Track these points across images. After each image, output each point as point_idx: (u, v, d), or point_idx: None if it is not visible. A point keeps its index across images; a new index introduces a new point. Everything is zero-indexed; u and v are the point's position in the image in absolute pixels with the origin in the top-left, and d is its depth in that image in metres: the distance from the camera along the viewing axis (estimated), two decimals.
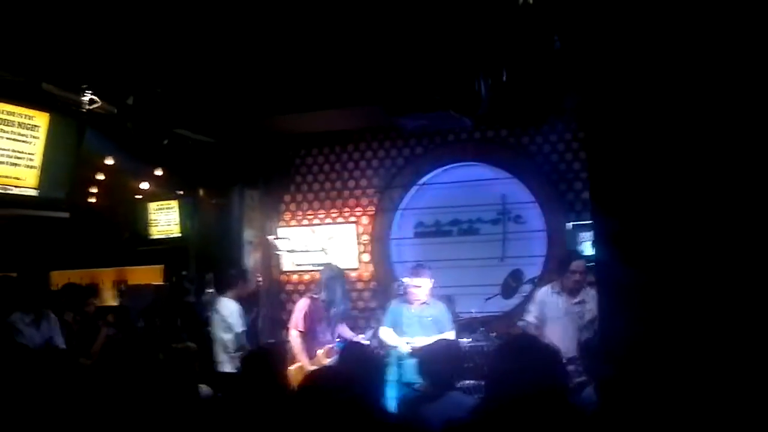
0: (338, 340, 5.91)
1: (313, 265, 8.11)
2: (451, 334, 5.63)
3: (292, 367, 5.73)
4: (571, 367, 5.20)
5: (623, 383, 2.30)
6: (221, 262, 8.04)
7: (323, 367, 5.43)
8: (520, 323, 6.23)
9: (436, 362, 3.78)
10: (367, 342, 5.89)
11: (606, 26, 2.90)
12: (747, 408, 2.44)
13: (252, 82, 6.02)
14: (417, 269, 5.91)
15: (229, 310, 6.36)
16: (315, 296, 5.96)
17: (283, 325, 8.05)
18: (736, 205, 2.50)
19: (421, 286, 5.69)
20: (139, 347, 5.25)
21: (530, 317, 5.71)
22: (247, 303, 6.81)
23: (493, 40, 4.93)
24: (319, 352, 5.80)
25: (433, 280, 5.79)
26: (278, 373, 3.48)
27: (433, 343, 4.31)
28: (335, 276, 6.01)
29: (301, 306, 5.93)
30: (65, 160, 5.70)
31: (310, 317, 5.84)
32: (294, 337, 5.81)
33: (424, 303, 5.74)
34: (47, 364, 3.41)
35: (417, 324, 5.65)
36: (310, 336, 5.81)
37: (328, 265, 6.39)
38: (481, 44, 5.00)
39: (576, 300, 5.54)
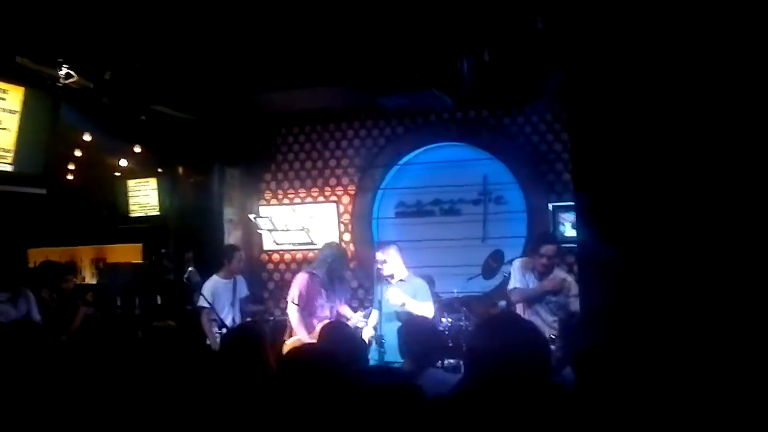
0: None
1: (294, 243, 8.08)
2: (427, 307, 5.60)
3: (289, 341, 5.80)
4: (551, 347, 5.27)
5: (602, 359, 2.32)
6: (201, 240, 8.00)
7: (303, 344, 5.44)
8: (501, 304, 6.28)
9: (414, 339, 3.79)
10: (364, 322, 5.89)
11: (588, 8, 2.89)
12: (721, 381, 2.48)
13: (233, 59, 5.94)
14: (381, 245, 5.92)
15: (203, 287, 6.39)
16: (313, 272, 5.94)
17: (263, 304, 8.10)
18: (714, 184, 2.53)
19: (386, 262, 5.66)
20: (118, 326, 5.23)
21: (517, 284, 5.70)
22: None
23: (476, 19, 4.90)
24: (318, 327, 5.81)
25: (398, 255, 5.73)
26: (258, 350, 3.47)
27: (409, 320, 4.31)
28: (337, 255, 6.01)
29: (300, 280, 5.90)
30: (41, 136, 5.61)
31: (307, 292, 5.82)
32: (292, 311, 5.81)
33: (401, 281, 5.73)
34: (24, 338, 3.37)
35: (388, 301, 5.64)
36: (307, 311, 5.80)
37: (329, 243, 6.41)
38: (463, 23, 4.98)
39: (546, 280, 5.58)
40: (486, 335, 1.87)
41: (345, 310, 6.14)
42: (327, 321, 5.62)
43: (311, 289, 5.84)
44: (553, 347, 5.24)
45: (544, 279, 5.57)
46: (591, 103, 2.87)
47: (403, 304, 5.52)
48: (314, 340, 5.24)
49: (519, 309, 5.65)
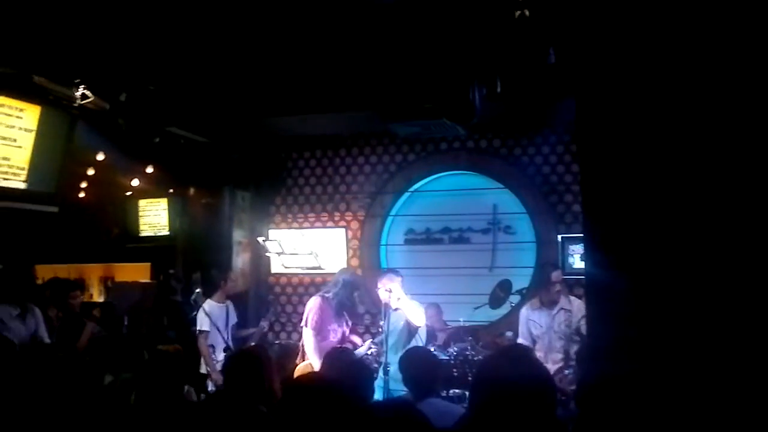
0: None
1: (302, 267, 8.09)
2: (420, 314, 5.58)
3: (301, 365, 5.75)
4: (559, 375, 5.25)
5: (610, 391, 2.30)
6: (209, 261, 8.01)
7: (308, 372, 5.42)
8: (508, 334, 6.24)
9: (414, 368, 3.77)
10: (374, 348, 5.82)
11: (601, 41, 2.91)
12: (733, 414, 2.45)
13: (247, 83, 6.01)
14: (382, 273, 5.91)
15: (204, 310, 6.42)
16: (326, 295, 5.88)
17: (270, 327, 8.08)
18: (727, 216, 2.51)
19: (391, 291, 5.61)
20: (124, 346, 5.21)
21: (520, 339, 5.72)
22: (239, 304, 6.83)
23: (489, 50, 4.94)
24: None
25: (398, 284, 5.68)
26: (260, 375, 3.46)
27: (407, 351, 4.30)
28: (348, 280, 5.95)
29: (312, 304, 5.83)
30: (55, 154, 5.66)
31: (321, 316, 5.75)
32: (307, 336, 5.72)
33: (397, 309, 5.69)
34: (33, 358, 3.38)
35: (394, 329, 5.62)
36: (321, 335, 5.73)
37: (343, 269, 6.42)
38: (476, 54, 5.01)
39: (556, 311, 5.56)
40: (493, 367, 1.86)
41: (354, 336, 6.10)
42: (333, 347, 5.64)
43: (324, 312, 5.76)
44: (561, 375, 5.22)
45: (554, 308, 5.55)
46: (601, 134, 2.88)
47: (399, 299, 5.52)
48: None
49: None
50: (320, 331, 5.71)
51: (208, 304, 6.52)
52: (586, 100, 3.06)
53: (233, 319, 6.73)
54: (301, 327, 5.89)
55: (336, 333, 5.81)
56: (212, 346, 6.21)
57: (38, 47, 4.96)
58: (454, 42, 4.84)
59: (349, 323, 6.03)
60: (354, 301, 5.98)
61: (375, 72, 5.38)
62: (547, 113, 6.62)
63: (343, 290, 5.85)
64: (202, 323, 6.34)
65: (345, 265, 6.92)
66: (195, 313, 6.61)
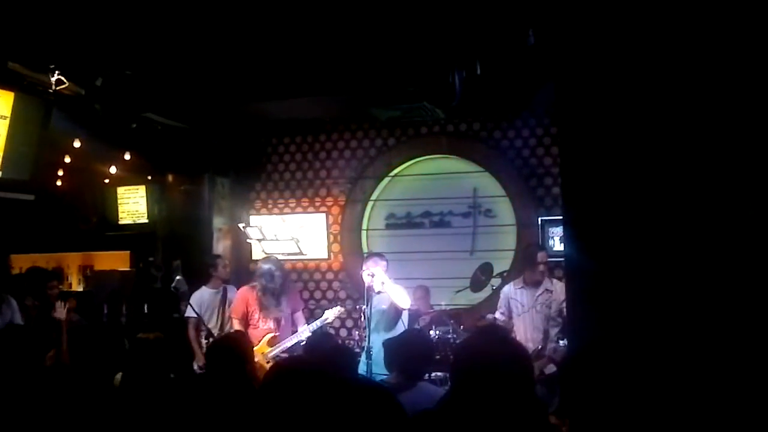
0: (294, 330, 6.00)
1: (283, 253, 8.07)
2: (405, 296, 5.59)
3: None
4: (542, 360, 5.31)
5: (590, 379, 2.32)
6: (189, 249, 7.96)
7: (291, 357, 5.46)
8: (489, 316, 6.28)
9: (405, 353, 3.78)
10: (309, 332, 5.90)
11: (581, 23, 2.91)
12: (712, 400, 2.48)
13: (225, 68, 5.94)
14: (369, 257, 5.95)
15: (194, 297, 6.44)
16: (253, 285, 6.12)
17: None
18: (707, 199, 2.54)
19: (373, 275, 5.62)
20: (105, 334, 5.16)
21: (497, 314, 5.78)
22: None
23: (468, 33, 4.93)
24: (264, 340, 5.92)
25: (381, 268, 5.69)
26: (242, 361, 3.46)
27: (401, 334, 4.30)
28: (273, 268, 6.05)
29: (239, 295, 6.14)
30: (30, 141, 5.57)
31: (242, 306, 6.04)
32: (234, 325, 6.04)
33: (380, 292, 5.71)
34: (10, 342, 3.34)
35: (376, 312, 5.64)
36: (251, 324, 6.00)
37: (266, 258, 6.49)
38: (456, 37, 5.00)
39: (540, 291, 5.60)
40: (469, 349, 1.87)
41: (299, 320, 6.16)
42: (273, 335, 5.90)
43: (247, 302, 6.05)
44: (542, 359, 5.28)
45: (539, 288, 5.59)
46: (581, 117, 2.89)
47: (382, 284, 5.52)
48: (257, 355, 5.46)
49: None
50: (248, 320, 6.01)
51: (199, 291, 6.55)
52: (566, 82, 3.06)
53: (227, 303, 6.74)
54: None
55: (266, 321, 5.99)
56: (202, 331, 6.24)
57: (12, 33, 4.87)
58: (433, 25, 4.82)
59: (287, 310, 6.07)
60: (280, 288, 6.01)
61: (355, 56, 5.35)
62: (527, 96, 6.63)
63: (265, 279, 5.99)
64: (189, 311, 6.35)
65: (269, 255, 6.95)
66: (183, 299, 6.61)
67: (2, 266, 5.44)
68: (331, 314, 5.93)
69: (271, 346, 5.86)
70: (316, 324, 5.92)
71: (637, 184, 2.69)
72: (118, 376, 3.94)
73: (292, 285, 6.41)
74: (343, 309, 6.22)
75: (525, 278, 5.72)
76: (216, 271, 6.67)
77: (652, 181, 2.68)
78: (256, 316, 6.02)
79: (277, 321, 6.01)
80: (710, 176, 2.57)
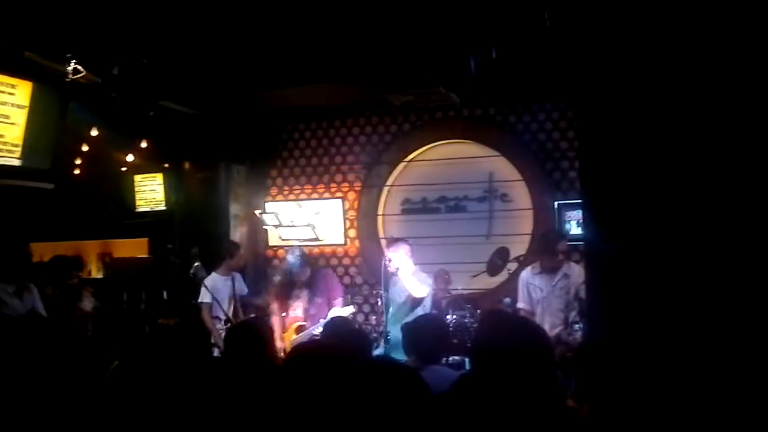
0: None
1: (299, 239, 8.11)
2: (422, 288, 5.56)
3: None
4: (575, 327, 5.29)
5: (610, 363, 2.33)
6: (207, 235, 8.02)
7: (309, 340, 5.49)
8: (506, 301, 6.28)
9: (421, 336, 3.79)
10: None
11: (596, 4, 2.89)
12: (722, 381, 2.48)
13: (240, 55, 5.95)
14: (391, 242, 5.97)
15: (206, 284, 6.45)
16: (279, 275, 6.31)
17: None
18: (725, 183, 2.52)
19: (393, 259, 5.63)
20: (125, 321, 5.24)
21: (520, 303, 5.73)
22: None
23: (484, 16, 4.90)
24: (292, 328, 6.02)
25: (407, 254, 5.70)
26: (261, 346, 3.48)
27: (417, 317, 4.31)
28: (294, 259, 6.12)
29: (273, 283, 6.30)
30: (49, 131, 5.63)
31: (277, 294, 6.17)
32: (273, 311, 6.15)
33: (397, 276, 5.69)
34: (32, 331, 3.39)
35: (395, 298, 5.65)
36: (284, 312, 6.10)
37: (291, 248, 6.51)
38: (471, 21, 4.97)
39: (558, 277, 5.57)
40: (489, 331, 1.88)
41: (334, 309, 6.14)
42: (299, 323, 6.01)
43: (279, 291, 6.22)
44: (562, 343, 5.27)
45: (556, 274, 5.55)
46: (599, 100, 2.87)
47: (398, 269, 5.52)
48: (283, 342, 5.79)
49: None
50: (282, 308, 6.12)
51: (211, 277, 6.57)
52: (583, 65, 3.04)
53: (242, 290, 6.81)
54: None
55: (295, 309, 6.09)
56: (217, 318, 6.30)
57: (29, 23, 4.90)
58: (448, 9, 4.80)
59: (317, 299, 6.10)
60: (304, 278, 6.08)
61: (369, 41, 5.34)
62: (543, 79, 6.59)
63: (287, 270, 6.16)
64: (204, 296, 6.41)
65: (294, 246, 6.91)
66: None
67: (23, 254, 5.50)
68: (342, 313, 5.90)
69: (297, 334, 5.92)
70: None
71: (655, 166, 2.68)
72: (114, 364, 3.99)
73: (322, 274, 6.39)
74: (354, 309, 6.31)
75: (542, 263, 5.68)
76: (231, 259, 6.72)
77: (670, 164, 2.67)
78: (289, 303, 6.11)
79: (305, 310, 6.06)
80: (730, 158, 2.56)
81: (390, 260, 5.56)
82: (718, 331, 2.54)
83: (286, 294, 6.13)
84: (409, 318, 5.20)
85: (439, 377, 3.45)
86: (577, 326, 5.28)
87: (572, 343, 5.00)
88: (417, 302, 5.56)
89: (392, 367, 1.80)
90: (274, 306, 6.18)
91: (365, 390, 1.67)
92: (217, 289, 6.48)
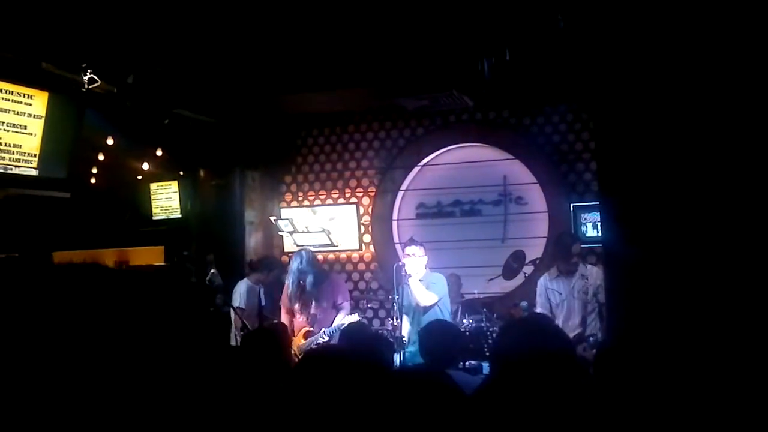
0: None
1: (314, 245, 8.12)
2: (431, 297, 5.49)
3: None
4: (590, 340, 5.28)
5: (628, 358, 2.30)
6: (222, 242, 8.05)
7: (325, 344, 5.50)
8: (522, 304, 6.25)
9: (436, 340, 3.79)
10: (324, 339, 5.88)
11: (610, 5, 2.87)
12: (739, 381, 2.45)
13: (253, 62, 5.98)
14: (407, 242, 5.91)
15: (236, 289, 6.57)
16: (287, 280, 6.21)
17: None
18: (741, 184, 2.49)
19: (412, 258, 5.58)
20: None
21: (539, 309, 5.72)
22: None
23: (497, 19, 4.89)
24: (300, 333, 6.00)
25: (423, 253, 5.65)
26: (277, 352, 3.49)
27: (432, 322, 4.30)
28: (299, 262, 6.06)
29: (285, 287, 6.20)
30: (65, 140, 5.67)
31: (288, 298, 6.12)
32: (282, 316, 6.16)
33: (420, 280, 5.67)
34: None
35: (408, 303, 5.61)
36: (294, 317, 6.08)
37: (297, 251, 6.46)
38: (484, 24, 4.96)
39: (575, 279, 5.56)
40: (511, 337, 1.87)
41: (340, 314, 6.03)
42: (307, 328, 5.96)
43: (285, 295, 6.15)
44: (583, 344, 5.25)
45: (574, 276, 5.55)
46: (614, 101, 2.85)
47: (410, 276, 5.47)
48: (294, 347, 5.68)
49: None
50: (289, 313, 6.09)
51: (246, 284, 6.69)
52: (597, 67, 3.02)
53: (263, 301, 6.82)
54: None
55: (301, 314, 6.04)
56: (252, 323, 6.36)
57: (44, 33, 4.95)
58: (461, 12, 4.79)
59: (324, 303, 6.02)
60: (311, 281, 5.99)
61: (382, 46, 5.34)
62: (557, 81, 6.56)
63: (292, 274, 6.07)
64: (237, 299, 6.52)
65: (301, 248, 6.84)
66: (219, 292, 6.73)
67: (46, 264, 5.53)
68: (346, 321, 5.86)
69: (305, 339, 5.91)
70: (333, 329, 5.84)
71: (672, 170, 2.65)
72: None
73: (330, 279, 6.29)
74: (358, 317, 6.20)
75: (559, 267, 5.68)
76: (268, 274, 6.81)
77: (688, 165, 2.64)
78: (297, 308, 6.07)
79: (312, 315, 6.02)
80: (746, 159, 2.53)
81: (404, 265, 5.54)
82: (737, 332, 2.51)
83: (295, 298, 6.09)
84: (425, 323, 5.18)
85: (456, 382, 3.44)
86: (592, 339, 5.27)
87: (588, 357, 4.94)
88: (429, 307, 5.51)
89: (422, 375, 1.78)
90: (284, 310, 6.15)
91: (392, 396, 1.66)
92: (250, 298, 6.58)
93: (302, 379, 2.59)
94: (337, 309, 6.04)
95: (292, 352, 5.69)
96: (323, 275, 6.26)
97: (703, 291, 2.59)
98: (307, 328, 5.97)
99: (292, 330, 6.00)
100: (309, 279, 5.99)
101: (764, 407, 2.40)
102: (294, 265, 6.10)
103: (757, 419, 2.37)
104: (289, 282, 6.09)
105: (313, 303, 6.00)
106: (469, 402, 1.75)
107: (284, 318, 6.09)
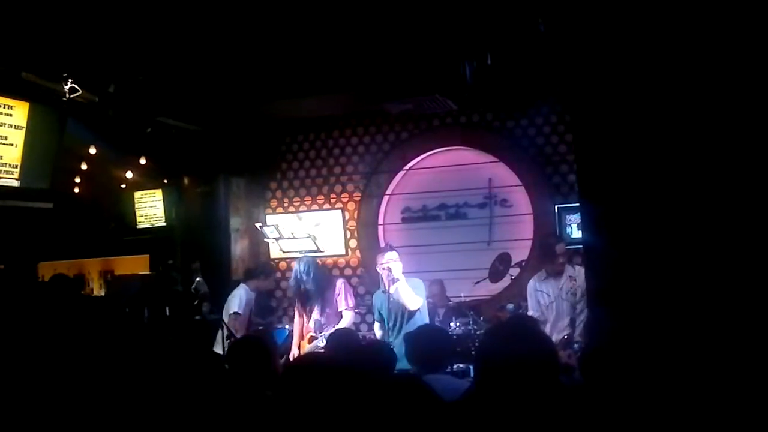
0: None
1: (300, 251, 8.10)
2: (418, 300, 5.45)
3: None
4: (574, 347, 5.28)
5: (612, 359, 2.32)
6: (207, 250, 8.01)
7: (310, 352, 5.50)
8: (509, 307, 6.27)
9: (425, 345, 3.78)
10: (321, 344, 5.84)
11: (590, 9, 2.89)
12: (721, 377, 2.47)
13: (236, 69, 5.97)
14: (386, 248, 5.85)
15: (235, 294, 6.57)
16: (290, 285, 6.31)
17: (272, 312, 8.14)
18: (720, 185, 2.52)
19: (387, 266, 5.53)
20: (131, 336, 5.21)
21: (530, 312, 5.74)
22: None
23: (478, 23, 4.91)
24: (306, 338, 6.03)
25: (397, 259, 5.57)
26: (265, 360, 3.47)
27: (420, 327, 4.29)
28: (300, 268, 6.06)
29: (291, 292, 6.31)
30: (47, 150, 5.64)
31: (295, 304, 6.18)
32: (295, 319, 6.23)
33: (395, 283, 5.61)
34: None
35: (391, 309, 5.56)
36: (301, 320, 6.14)
37: (300, 258, 6.40)
38: (465, 28, 4.99)
39: (563, 280, 5.58)
40: (494, 341, 1.88)
41: (342, 320, 5.99)
42: (311, 334, 5.96)
43: (295, 300, 6.23)
44: (574, 346, 5.26)
45: (562, 277, 5.58)
46: (594, 103, 2.87)
47: (395, 280, 5.38)
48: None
49: None
50: (300, 316, 6.15)
51: (245, 290, 6.67)
52: (578, 70, 3.04)
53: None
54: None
55: (307, 320, 6.06)
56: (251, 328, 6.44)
57: (25, 43, 4.92)
58: (442, 17, 4.81)
59: (327, 309, 6.01)
60: (312, 287, 6.00)
61: (365, 51, 5.35)
62: (539, 84, 6.59)
63: (293, 280, 6.12)
64: (241, 306, 6.52)
65: (303, 254, 6.80)
66: (196, 301, 6.68)
67: (30, 275, 5.49)
68: (340, 325, 5.84)
69: (309, 344, 5.94)
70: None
71: (651, 170, 2.67)
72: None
73: (333, 284, 6.16)
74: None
75: (547, 269, 5.71)
76: (266, 280, 6.85)
77: (666, 166, 2.66)
78: (301, 313, 6.15)
79: (316, 321, 6.00)
80: (725, 161, 2.55)
81: (391, 270, 5.48)
82: (719, 332, 2.53)
83: (300, 303, 6.14)
84: (410, 326, 5.18)
85: (442, 386, 3.44)
86: (576, 345, 5.28)
87: (572, 363, 4.93)
88: (412, 312, 5.47)
89: (398, 380, 1.79)
90: (297, 313, 6.20)
91: (370, 402, 1.67)
92: (249, 305, 6.58)
93: (284, 389, 2.60)
94: (339, 315, 6.02)
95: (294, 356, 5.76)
96: (326, 282, 6.17)
97: (683, 291, 2.61)
98: (312, 334, 5.98)
99: (301, 333, 6.09)
100: (309, 286, 6.00)
101: (748, 405, 2.42)
102: (293, 272, 6.14)
103: (739, 417, 2.39)
104: (293, 286, 6.15)
105: (317, 309, 6.00)
106: (445, 407, 1.75)
107: (296, 321, 6.17)
